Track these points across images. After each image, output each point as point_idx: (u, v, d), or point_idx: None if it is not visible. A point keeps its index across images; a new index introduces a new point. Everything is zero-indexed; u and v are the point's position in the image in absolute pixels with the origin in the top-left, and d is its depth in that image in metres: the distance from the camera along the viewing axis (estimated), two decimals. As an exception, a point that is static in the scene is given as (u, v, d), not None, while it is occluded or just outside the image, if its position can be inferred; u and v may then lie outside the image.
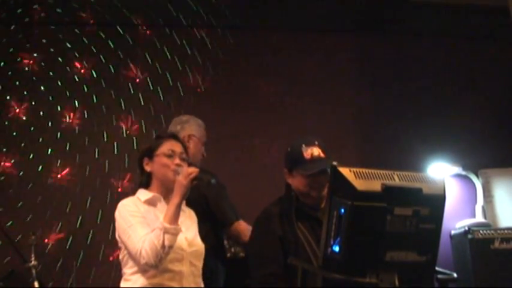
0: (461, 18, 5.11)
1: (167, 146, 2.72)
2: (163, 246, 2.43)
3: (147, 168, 2.73)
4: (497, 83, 5.27)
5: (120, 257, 2.65)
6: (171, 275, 2.54)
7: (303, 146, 2.73)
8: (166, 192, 2.67)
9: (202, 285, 2.70)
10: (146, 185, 2.74)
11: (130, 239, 2.52)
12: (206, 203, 3.31)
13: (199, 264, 2.69)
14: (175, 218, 2.49)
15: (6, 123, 4.67)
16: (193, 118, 3.67)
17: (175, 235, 2.49)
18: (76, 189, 4.59)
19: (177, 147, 2.74)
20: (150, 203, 2.67)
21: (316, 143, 2.75)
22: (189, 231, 2.71)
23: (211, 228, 3.31)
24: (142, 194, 2.70)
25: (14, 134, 4.65)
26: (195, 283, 2.64)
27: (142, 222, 2.55)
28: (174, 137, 2.82)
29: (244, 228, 3.35)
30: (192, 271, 2.62)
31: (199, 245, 2.70)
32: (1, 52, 4.72)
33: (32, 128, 4.68)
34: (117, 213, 2.63)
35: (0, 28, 4.75)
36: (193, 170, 2.55)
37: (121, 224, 2.58)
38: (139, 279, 2.53)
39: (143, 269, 2.52)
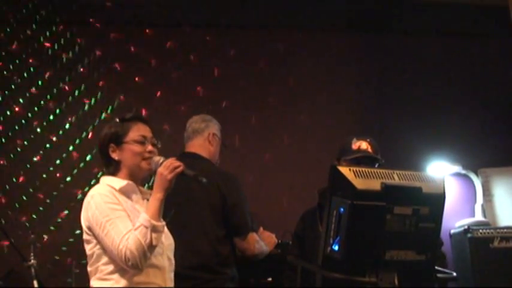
0: (461, 17, 5.11)
1: (137, 132, 2.46)
2: (150, 245, 2.24)
3: (114, 156, 2.44)
4: (497, 82, 5.27)
5: (89, 252, 2.37)
6: (155, 270, 2.36)
7: (354, 138, 2.95)
8: (135, 182, 2.46)
9: (173, 282, 2.50)
10: (112, 173, 2.47)
11: (109, 235, 2.26)
12: (223, 205, 3.16)
13: (173, 259, 2.51)
14: (159, 214, 2.30)
15: (2, 118, 4.66)
16: (214, 119, 3.56)
17: (162, 233, 2.31)
18: (76, 187, 4.58)
19: (147, 132, 2.49)
20: (125, 192, 2.41)
21: (368, 140, 2.95)
22: None
23: (226, 235, 3.18)
24: (114, 182, 2.42)
25: (12, 131, 4.65)
26: (170, 278, 2.46)
27: (123, 217, 2.30)
28: (141, 118, 2.54)
29: (254, 241, 3.21)
30: (169, 266, 2.45)
31: (171, 238, 2.53)
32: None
33: (31, 127, 4.68)
34: (91, 203, 2.34)
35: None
36: (179, 164, 2.34)
37: (96, 216, 2.30)
38: (121, 279, 2.30)
39: (122, 268, 2.29)
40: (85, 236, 2.38)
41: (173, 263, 2.50)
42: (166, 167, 2.33)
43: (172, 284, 2.47)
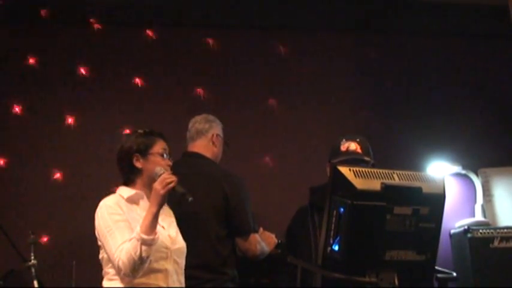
0: (461, 17, 5.10)
1: (160, 145, 2.72)
2: (140, 257, 2.40)
3: (138, 164, 2.67)
4: (497, 82, 5.27)
5: (100, 256, 2.64)
6: (156, 274, 2.54)
7: (343, 139, 2.96)
8: (150, 192, 2.61)
9: (184, 284, 2.69)
10: (129, 182, 2.71)
11: (108, 245, 2.50)
12: (226, 206, 3.18)
13: (183, 262, 2.69)
14: (152, 228, 2.45)
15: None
16: (217, 119, 3.57)
17: (152, 246, 2.45)
18: (76, 187, 4.57)
19: (167, 148, 2.76)
20: (133, 200, 2.64)
21: (358, 139, 2.93)
22: (171, 228, 2.70)
23: (228, 235, 3.20)
24: (125, 191, 2.67)
25: (12, 131, 4.64)
26: (178, 281, 2.63)
27: (122, 227, 2.51)
28: (161, 135, 2.80)
29: (256, 241, 3.23)
30: (176, 269, 2.62)
31: (182, 242, 2.70)
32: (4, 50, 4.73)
33: (31, 127, 4.68)
34: (98, 213, 2.59)
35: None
36: (172, 179, 2.51)
37: (100, 226, 2.56)
38: (125, 279, 2.50)
39: None
40: (98, 242, 2.63)
41: (182, 266, 2.67)
42: (160, 182, 2.51)
43: (180, 286, 2.64)
